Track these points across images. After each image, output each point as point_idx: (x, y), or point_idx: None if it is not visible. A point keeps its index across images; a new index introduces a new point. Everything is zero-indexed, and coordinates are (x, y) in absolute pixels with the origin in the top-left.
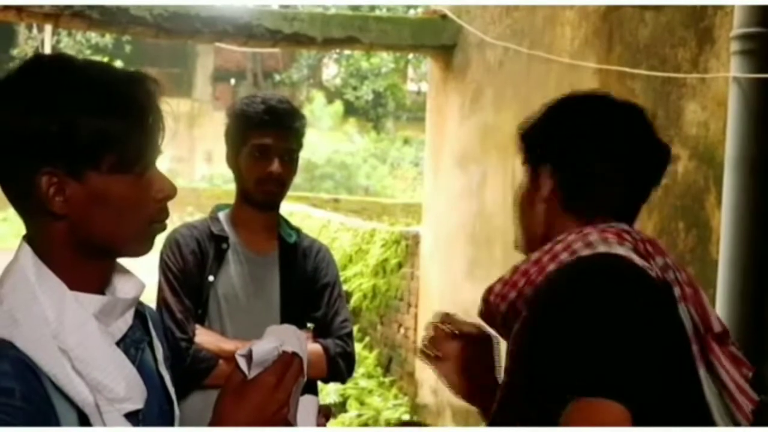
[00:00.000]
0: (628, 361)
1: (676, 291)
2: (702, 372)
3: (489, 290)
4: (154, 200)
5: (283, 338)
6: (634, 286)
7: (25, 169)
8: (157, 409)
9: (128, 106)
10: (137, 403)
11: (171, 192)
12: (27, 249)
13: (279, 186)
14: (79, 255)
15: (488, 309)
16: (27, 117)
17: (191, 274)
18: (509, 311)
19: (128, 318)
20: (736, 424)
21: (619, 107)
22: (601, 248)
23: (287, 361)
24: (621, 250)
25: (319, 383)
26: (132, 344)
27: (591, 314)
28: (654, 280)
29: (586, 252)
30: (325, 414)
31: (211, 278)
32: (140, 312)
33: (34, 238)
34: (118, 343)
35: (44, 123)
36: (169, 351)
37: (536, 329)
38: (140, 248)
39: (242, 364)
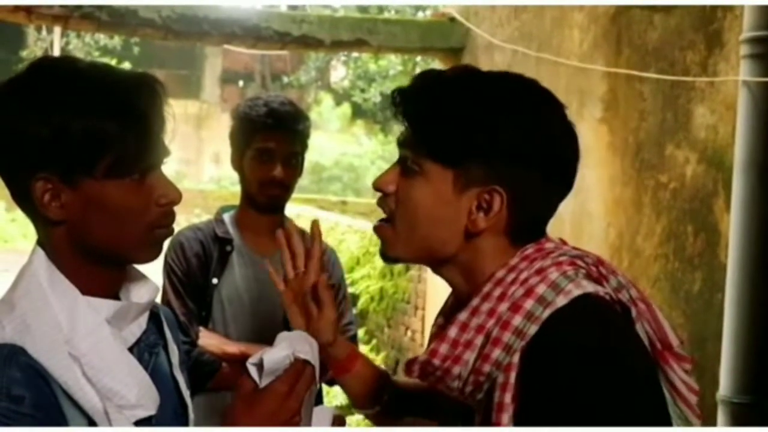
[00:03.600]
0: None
1: (633, 311)
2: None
3: (431, 352)
4: (157, 205)
5: (295, 345)
6: (628, 335)
7: (22, 175)
8: (171, 413)
9: (122, 110)
10: (149, 410)
11: (175, 197)
12: (40, 253)
13: (283, 189)
14: (85, 260)
15: (428, 371)
16: (21, 121)
17: (195, 276)
18: (473, 375)
19: (142, 322)
20: (689, 424)
21: (553, 108)
22: (571, 288)
23: (299, 369)
24: (588, 286)
25: (323, 386)
26: (146, 348)
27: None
28: (623, 315)
29: (560, 299)
30: (340, 423)
31: (215, 281)
32: (155, 315)
33: (44, 242)
34: (131, 348)
35: (36, 128)
36: (185, 354)
37: (555, 407)
38: (144, 254)
39: (253, 372)
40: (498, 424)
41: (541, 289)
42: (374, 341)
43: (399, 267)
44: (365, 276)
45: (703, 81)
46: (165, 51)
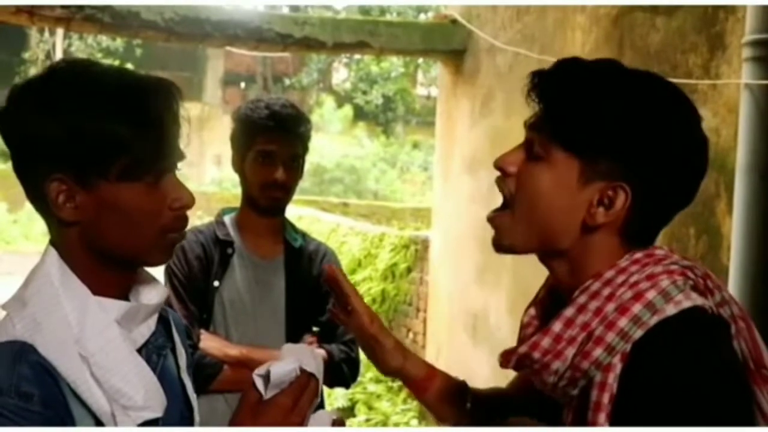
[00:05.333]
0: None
1: (732, 328)
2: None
3: (533, 345)
4: (170, 209)
5: (301, 358)
6: (731, 353)
7: (37, 174)
8: (177, 416)
9: (138, 114)
10: (156, 412)
11: (188, 201)
12: (53, 253)
13: (284, 192)
14: (97, 261)
15: (525, 364)
16: (38, 122)
17: (196, 279)
18: (570, 371)
19: (151, 324)
20: None
21: (687, 108)
22: (681, 299)
23: (304, 383)
24: (697, 299)
25: (326, 388)
26: (154, 350)
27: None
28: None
29: (669, 308)
30: (339, 425)
31: (216, 283)
32: (164, 318)
33: (56, 242)
34: (140, 349)
35: (53, 129)
36: (191, 357)
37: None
38: (156, 258)
39: (259, 383)
40: (594, 423)
41: (650, 295)
42: None
43: (401, 269)
44: (367, 278)
45: (705, 84)
46: (167, 53)
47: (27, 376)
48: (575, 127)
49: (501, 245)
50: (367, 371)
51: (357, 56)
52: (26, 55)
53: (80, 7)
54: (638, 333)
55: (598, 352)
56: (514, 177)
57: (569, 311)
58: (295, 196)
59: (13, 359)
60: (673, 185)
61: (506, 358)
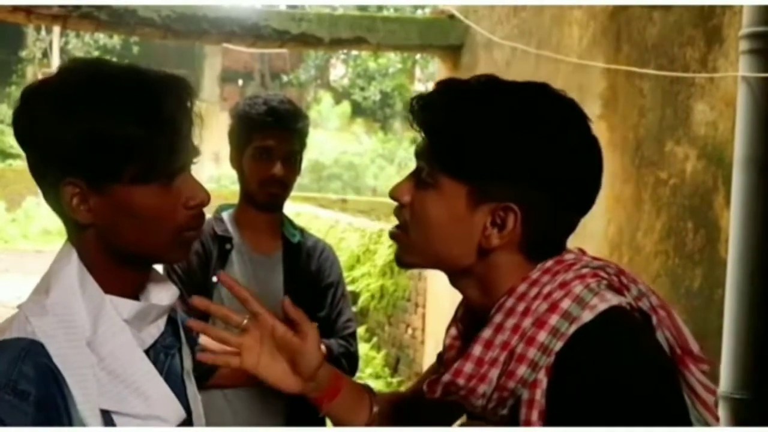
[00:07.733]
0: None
1: (654, 319)
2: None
3: (455, 372)
4: (185, 207)
5: None
6: (653, 347)
7: (51, 178)
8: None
9: (149, 118)
10: (162, 421)
11: (203, 199)
12: (74, 257)
13: (282, 188)
14: (113, 261)
15: (451, 391)
16: (48, 126)
17: (195, 274)
18: (497, 392)
19: (161, 324)
20: (707, 425)
21: (578, 125)
22: (596, 302)
23: None
24: (612, 299)
25: None
26: (162, 350)
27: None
28: (651, 328)
29: (586, 315)
30: None
31: (214, 279)
32: (172, 318)
33: (74, 242)
34: (148, 350)
35: (62, 135)
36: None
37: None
38: (173, 256)
39: None
40: None
41: (565, 303)
42: (375, 339)
43: None
44: (365, 274)
45: (702, 77)
46: (164, 50)
47: (28, 374)
48: (456, 154)
49: (402, 262)
50: (366, 367)
51: (354, 52)
52: (23, 53)
53: (77, 5)
54: (558, 345)
55: (522, 369)
56: (408, 206)
57: (487, 332)
58: (294, 193)
59: (17, 356)
60: (564, 196)
61: (431, 388)
